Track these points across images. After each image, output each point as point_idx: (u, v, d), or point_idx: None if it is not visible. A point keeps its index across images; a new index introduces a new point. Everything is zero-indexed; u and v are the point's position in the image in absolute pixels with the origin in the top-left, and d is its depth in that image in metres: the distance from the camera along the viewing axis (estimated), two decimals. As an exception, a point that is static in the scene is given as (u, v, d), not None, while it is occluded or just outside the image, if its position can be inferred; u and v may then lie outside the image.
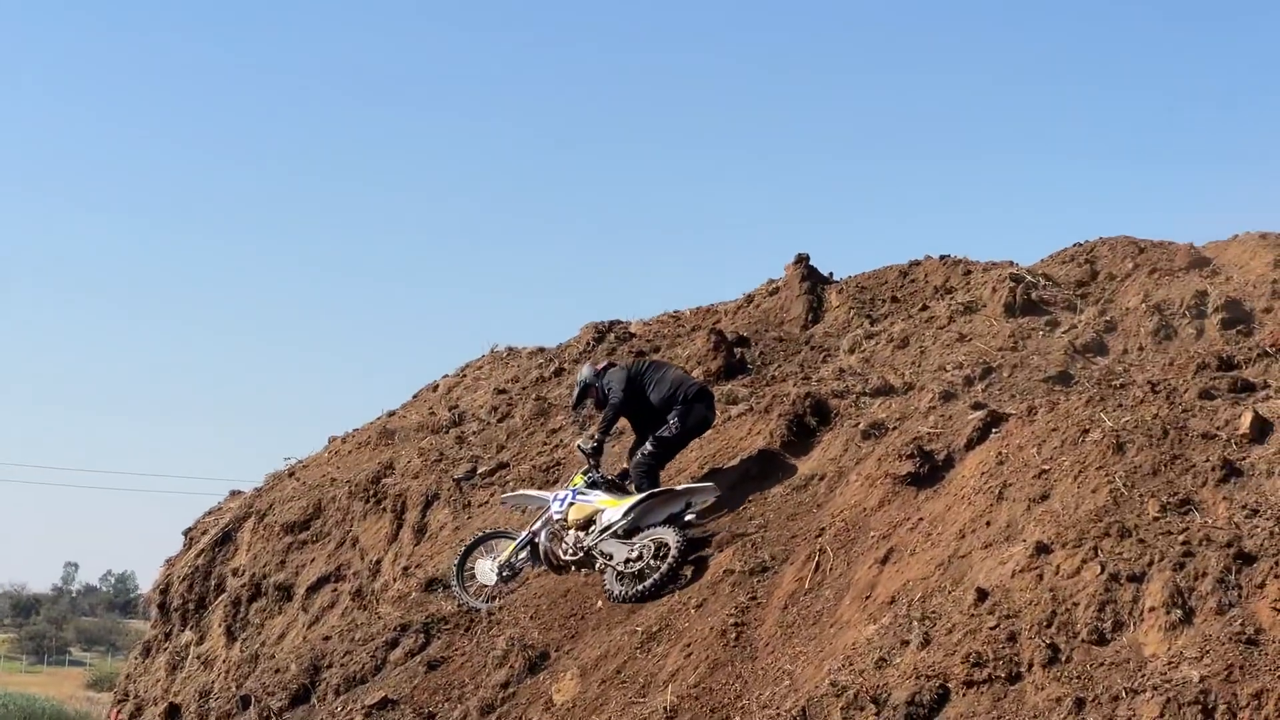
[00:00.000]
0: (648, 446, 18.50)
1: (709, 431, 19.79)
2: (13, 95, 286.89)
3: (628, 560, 17.27)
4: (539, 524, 18.58)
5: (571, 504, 18.34)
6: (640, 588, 17.00)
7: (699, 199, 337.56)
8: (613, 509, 17.92)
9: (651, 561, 17.11)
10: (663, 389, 18.66)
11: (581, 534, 18.04)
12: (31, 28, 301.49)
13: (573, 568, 18.14)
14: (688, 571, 16.89)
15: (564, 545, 18.16)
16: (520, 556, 18.63)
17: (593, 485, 18.50)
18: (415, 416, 26.72)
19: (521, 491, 20.23)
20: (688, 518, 17.90)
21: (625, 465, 19.32)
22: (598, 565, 17.73)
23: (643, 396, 18.71)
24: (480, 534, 19.66)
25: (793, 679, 14.03)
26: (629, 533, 17.66)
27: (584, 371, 19.38)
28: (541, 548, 18.44)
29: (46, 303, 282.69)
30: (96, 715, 79.99)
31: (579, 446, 18.96)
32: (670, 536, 17.22)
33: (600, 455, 18.83)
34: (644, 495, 17.89)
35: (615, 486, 18.72)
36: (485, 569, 18.69)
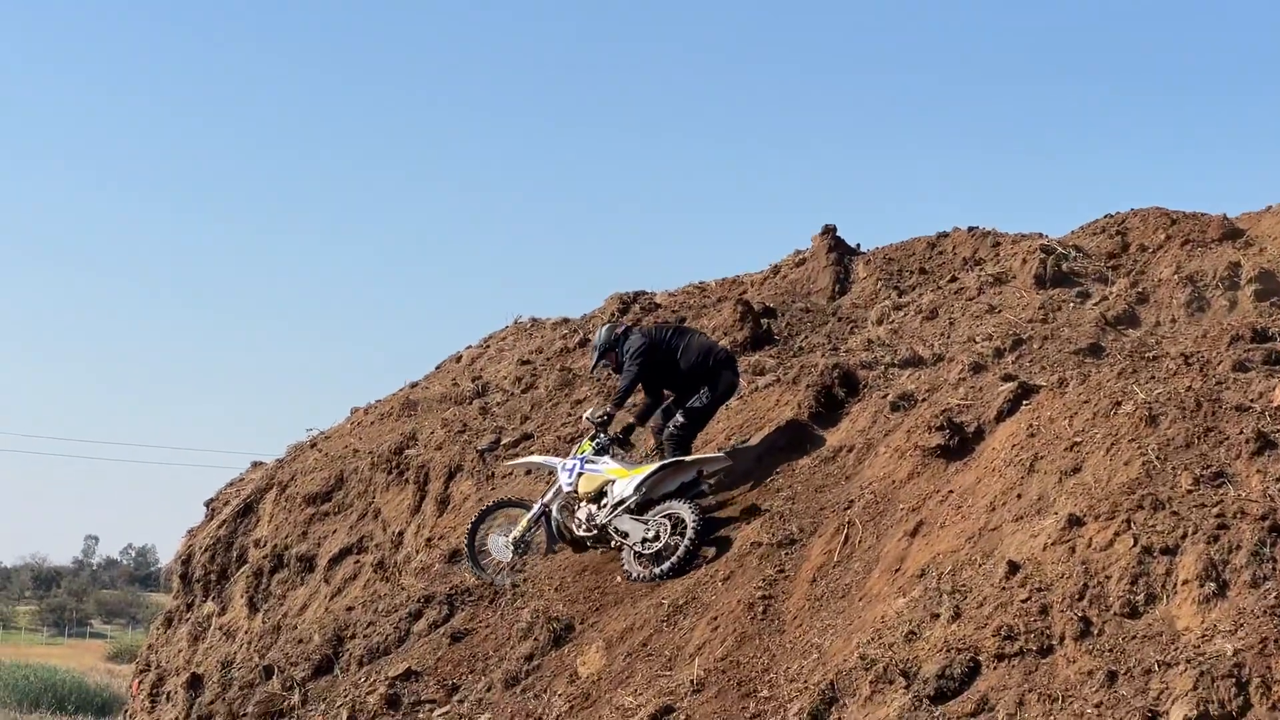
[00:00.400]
0: (679, 419, 18.19)
1: (735, 401, 19.62)
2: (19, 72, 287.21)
3: (645, 540, 17.04)
4: (550, 495, 18.28)
5: (580, 474, 18.02)
6: (660, 569, 16.78)
7: (725, 171, 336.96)
8: (623, 481, 17.63)
9: (670, 540, 16.88)
10: (690, 356, 18.31)
11: (594, 508, 17.76)
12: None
13: (589, 544, 17.94)
14: (709, 552, 16.73)
15: (576, 520, 17.91)
16: (534, 531, 18.33)
17: (600, 451, 18.19)
18: (438, 388, 26.57)
19: (529, 457, 19.97)
20: (702, 488, 17.73)
21: (631, 420, 19.03)
22: (613, 543, 17.52)
23: (670, 364, 18.36)
24: (490, 504, 19.33)
25: (821, 652, 13.91)
26: (642, 507, 17.42)
27: (601, 335, 18.93)
28: (554, 522, 18.18)
29: (65, 275, 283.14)
30: (117, 687, 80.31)
31: (588, 418, 18.60)
32: (686, 512, 17.00)
33: (609, 425, 18.58)
34: (655, 468, 17.62)
35: (623, 445, 18.53)
36: (499, 545, 18.27)
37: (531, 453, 20.97)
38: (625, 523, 17.31)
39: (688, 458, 17.84)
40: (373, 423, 26.87)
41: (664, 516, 17.12)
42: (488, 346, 28.27)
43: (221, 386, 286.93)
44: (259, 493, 27.26)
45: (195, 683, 22.20)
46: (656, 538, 16.97)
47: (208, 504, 29.39)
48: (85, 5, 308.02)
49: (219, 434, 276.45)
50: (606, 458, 18.11)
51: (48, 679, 79.91)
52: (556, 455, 19.44)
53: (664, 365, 18.38)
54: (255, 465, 29.92)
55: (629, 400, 18.70)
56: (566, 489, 18.08)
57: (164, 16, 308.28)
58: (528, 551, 18.37)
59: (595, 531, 17.66)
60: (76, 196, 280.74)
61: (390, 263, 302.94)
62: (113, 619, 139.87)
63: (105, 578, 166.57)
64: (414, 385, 27.90)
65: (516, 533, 18.24)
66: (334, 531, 24.58)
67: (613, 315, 25.23)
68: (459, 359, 28.59)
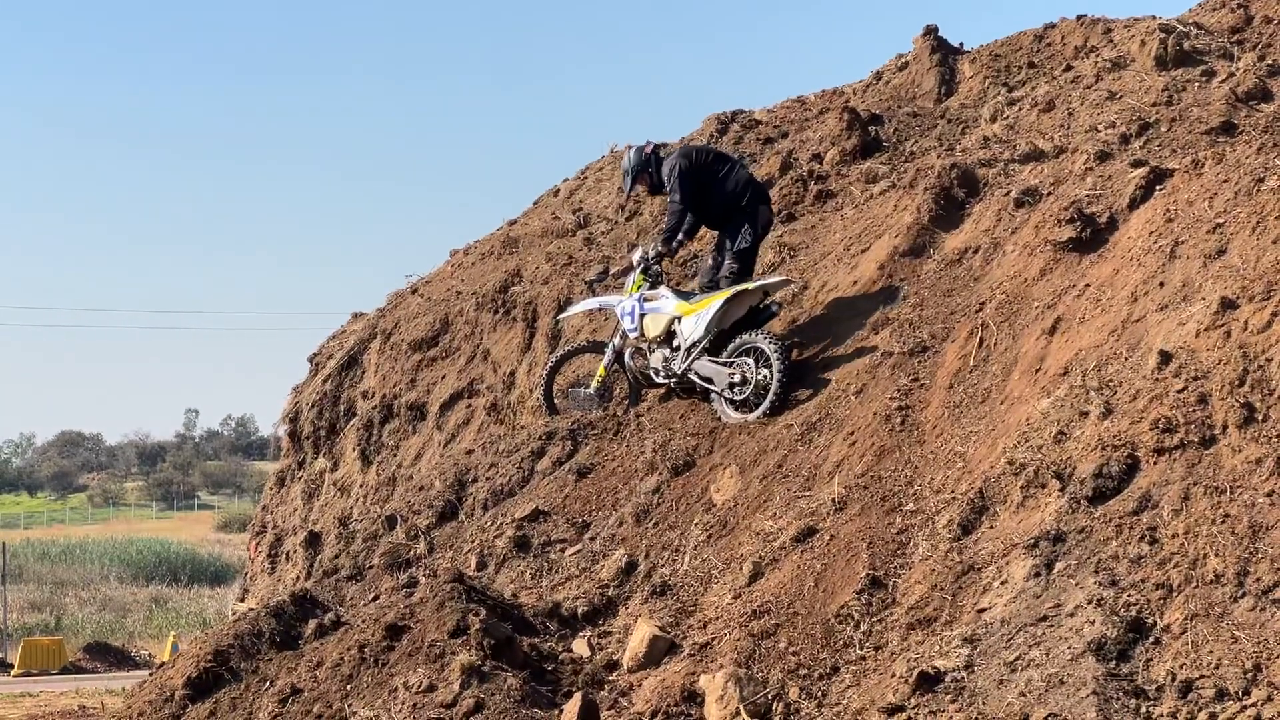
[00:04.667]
0: (729, 263, 17.30)
1: (852, 211, 19.06)
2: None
3: (732, 385, 16.37)
4: (618, 338, 17.79)
5: (643, 315, 17.41)
6: (760, 411, 16.13)
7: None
8: (689, 319, 16.94)
9: (758, 377, 16.20)
10: (731, 185, 17.44)
11: (667, 351, 17.10)
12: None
13: (675, 392, 17.32)
14: (802, 394, 16.16)
15: (653, 367, 17.28)
16: (614, 376, 17.99)
17: (655, 284, 17.56)
18: (538, 223, 26.00)
19: (580, 305, 19.43)
20: (772, 309, 17.11)
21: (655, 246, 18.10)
22: (698, 389, 16.89)
23: (709, 190, 17.44)
24: (561, 353, 19.01)
25: (966, 460, 13.55)
26: (715, 344, 16.77)
27: (629, 157, 17.97)
28: (629, 369, 17.74)
29: (152, 150, 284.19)
30: (229, 556, 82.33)
31: (638, 258, 17.85)
32: (765, 342, 16.32)
33: (660, 262, 17.81)
34: (720, 301, 16.78)
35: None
36: (582, 399, 17.96)
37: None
38: (706, 367, 16.70)
39: (750, 284, 17.01)
40: (473, 263, 26.37)
41: (743, 354, 16.50)
42: (585, 178, 27.65)
43: (306, 247, 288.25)
44: (362, 343, 26.98)
45: (314, 540, 22.14)
46: (744, 380, 16.33)
47: (311, 359, 29.11)
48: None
49: (307, 295, 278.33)
50: (664, 289, 17.49)
51: (161, 552, 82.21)
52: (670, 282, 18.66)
53: (703, 191, 17.46)
54: (356, 316, 29.54)
55: (680, 234, 17.68)
56: (632, 334, 17.55)
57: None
58: (612, 399, 18.03)
59: (675, 379, 17.09)
60: (157, 69, 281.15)
61: (470, 99, 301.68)
62: (218, 490, 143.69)
63: (208, 449, 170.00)
64: (512, 223, 27.33)
65: (595, 384, 17.96)
66: (443, 377, 24.29)
67: (712, 136, 24.59)
68: (556, 192, 28.00)
